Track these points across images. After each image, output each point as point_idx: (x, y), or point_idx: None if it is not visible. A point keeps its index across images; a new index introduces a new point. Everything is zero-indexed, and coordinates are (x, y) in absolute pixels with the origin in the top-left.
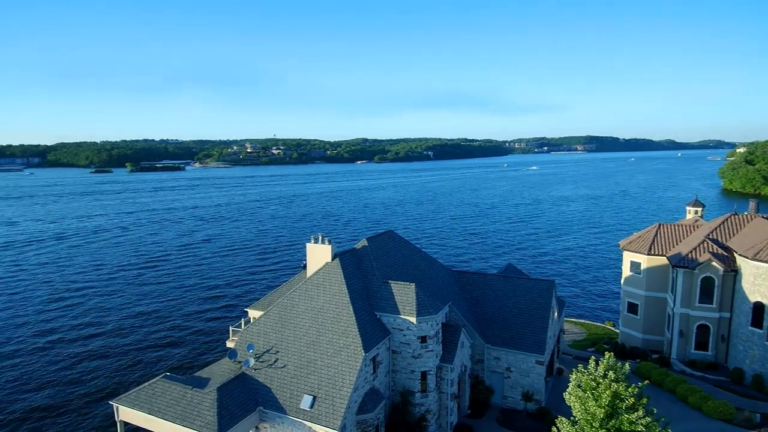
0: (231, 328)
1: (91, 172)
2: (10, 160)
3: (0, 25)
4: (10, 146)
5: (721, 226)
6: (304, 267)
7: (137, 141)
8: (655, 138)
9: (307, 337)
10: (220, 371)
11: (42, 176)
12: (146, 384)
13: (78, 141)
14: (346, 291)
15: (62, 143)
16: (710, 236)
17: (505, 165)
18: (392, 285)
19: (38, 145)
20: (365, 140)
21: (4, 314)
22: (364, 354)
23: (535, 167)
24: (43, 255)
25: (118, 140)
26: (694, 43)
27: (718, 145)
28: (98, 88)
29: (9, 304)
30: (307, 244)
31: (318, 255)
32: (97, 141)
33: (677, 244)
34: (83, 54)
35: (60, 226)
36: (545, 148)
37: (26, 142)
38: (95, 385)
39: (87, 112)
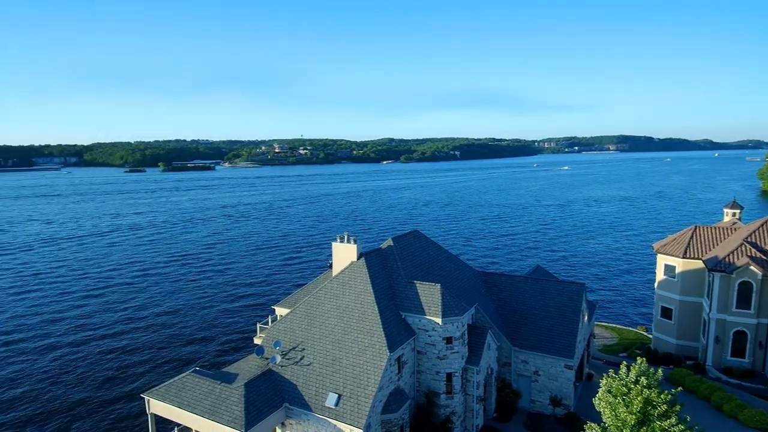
0: (258, 325)
1: (125, 172)
2: (49, 159)
3: (44, 29)
4: (48, 146)
5: (760, 228)
6: (331, 266)
7: (169, 141)
8: (691, 137)
9: (332, 336)
10: (247, 367)
11: (78, 175)
12: (176, 378)
13: (113, 141)
14: (371, 290)
15: (98, 143)
16: (749, 239)
17: (535, 165)
18: (417, 285)
19: (75, 145)
20: (391, 140)
21: (43, 308)
22: (388, 354)
23: (566, 167)
24: (79, 252)
25: (151, 140)
26: (731, 40)
27: (758, 145)
28: (133, 90)
29: (47, 299)
30: (332, 243)
31: (344, 254)
32: (131, 141)
33: (714, 247)
34: (117, 56)
35: (96, 224)
36: (576, 147)
37: (63, 142)
38: (127, 379)
39: (122, 113)
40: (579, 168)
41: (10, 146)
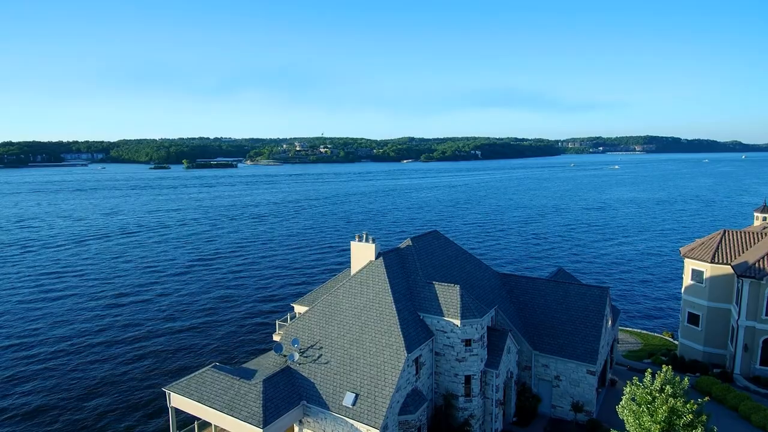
0: (277, 322)
1: (151, 168)
2: (76, 155)
3: (75, 29)
4: (76, 142)
5: None
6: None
7: (193, 139)
8: (720, 139)
9: (350, 335)
10: (266, 363)
11: (111, 171)
12: (196, 373)
13: (139, 138)
14: (389, 290)
15: (124, 140)
16: None
17: (572, 164)
18: (436, 286)
19: (102, 142)
20: (412, 139)
21: (69, 302)
22: (406, 354)
23: (617, 166)
24: (106, 248)
25: (175, 138)
26: (762, 36)
27: None
28: (157, 89)
29: (75, 294)
30: (351, 242)
31: (362, 253)
32: (156, 138)
33: (743, 252)
34: (142, 56)
35: (123, 220)
36: (601, 148)
37: (91, 139)
38: (149, 372)
39: (147, 110)
40: (629, 168)
41: (39, 142)
